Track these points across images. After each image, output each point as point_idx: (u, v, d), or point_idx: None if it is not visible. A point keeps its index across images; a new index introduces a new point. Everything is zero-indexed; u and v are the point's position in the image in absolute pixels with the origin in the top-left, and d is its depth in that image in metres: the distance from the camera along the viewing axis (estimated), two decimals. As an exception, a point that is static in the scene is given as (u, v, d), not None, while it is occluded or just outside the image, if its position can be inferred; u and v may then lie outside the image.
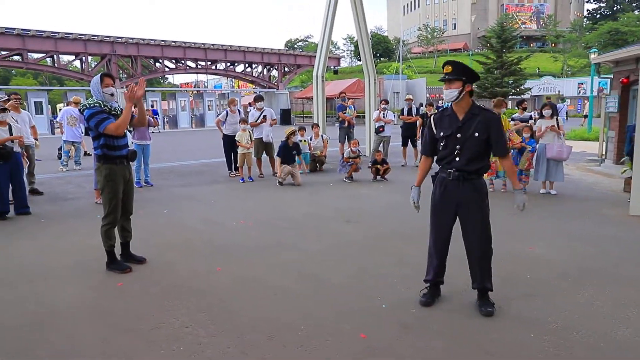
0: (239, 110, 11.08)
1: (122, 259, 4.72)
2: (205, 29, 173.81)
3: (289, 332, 3.32)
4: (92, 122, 4.32)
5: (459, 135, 3.50)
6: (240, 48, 40.03)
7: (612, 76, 12.24)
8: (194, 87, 61.98)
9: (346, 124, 12.44)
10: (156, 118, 30.32)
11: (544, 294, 3.96)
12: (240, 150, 9.88)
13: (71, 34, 32.34)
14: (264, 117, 10.46)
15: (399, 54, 49.06)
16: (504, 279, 4.31)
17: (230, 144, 10.43)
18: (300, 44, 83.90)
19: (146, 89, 31.16)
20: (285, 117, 35.47)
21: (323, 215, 6.95)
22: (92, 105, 4.31)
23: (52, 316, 3.64)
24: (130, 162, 4.62)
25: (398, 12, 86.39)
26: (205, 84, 66.27)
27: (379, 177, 9.82)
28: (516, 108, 9.72)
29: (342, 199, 8.16)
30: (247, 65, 41.52)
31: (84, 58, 33.71)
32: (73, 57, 34.12)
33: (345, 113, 12.49)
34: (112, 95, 4.42)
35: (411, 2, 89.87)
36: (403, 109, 12.10)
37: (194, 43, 37.77)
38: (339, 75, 47.14)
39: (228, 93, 42.71)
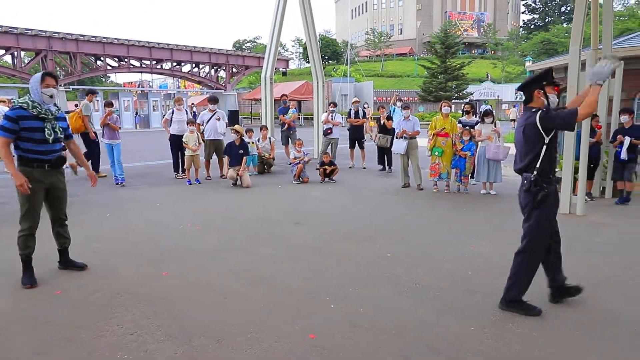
0: (186, 111, 10.85)
1: (60, 265, 4.50)
2: (150, 27, 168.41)
3: (238, 336, 3.30)
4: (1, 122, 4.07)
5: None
6: (186, 47, 39.10)
7: (545, 83, 13.00)
8: (138, 86, 59.88)
9: (286, 126, 12.51)
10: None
11: (484, 290, 4.15)
12: (187, 152, 9.68)
13: (1, 26, 30.35)
14: (217, 118, 10.34)
15: (347, 57, 49.72)
16: (448, 274, 4.49)
17: (177, 144, 10.19)
18: (248, 44, 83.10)
19: (87, 87, 29.65)
20: (233, 118, 34.91)
21: (272, 217, 6.94)
22: (17, 106, 4.04)
23: (-18, 328, 3.41)
24: (56, 169, 4.26)
25: (346, 15, 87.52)
26: (150, 84, 64.19)
27: (327, 179, 9.92)
28: (460, 112, 10.11)
29: (291, 201, 8.18)
30: (193, 65, 40.59)
31: (15, 53, 31.71)
32: (3, 51, 32.02)
33: (286, 116, 12.54)
34: (51, 96, 4.15)
35: (359, 7, 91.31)
36: (350, 111, 12.29)
37: (138, 41, 36.48)
38: (288, 77, 47.11)
39: (174, 93, 41.60)
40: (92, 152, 10.25)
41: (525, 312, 3.65)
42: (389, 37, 74.54)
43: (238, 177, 9.42)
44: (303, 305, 3.83)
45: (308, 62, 52.80)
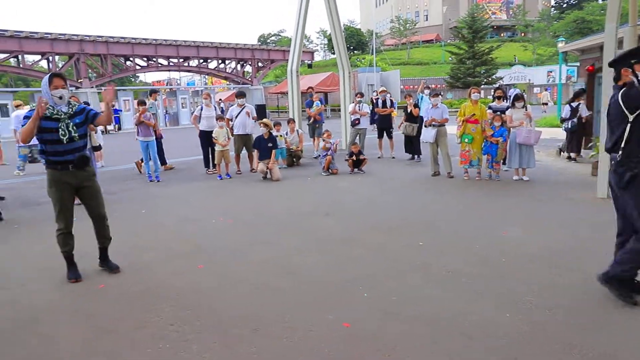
0: (214, 106, 11.02)
1: (100, 263, 4.65)
2: (176, 26, 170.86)
3: (273, 325, 3.37)
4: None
5: None
6: (212, 44, 39.53)
7: (579, 64, 12.60)
8: (167, 85, 61.01)
9: (311, 119, 12.50)
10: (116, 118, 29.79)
11: (518, 276, 4.10)
12: (217, 148, 9.85)
13: (37, 32, 31.39)
14: (247, 112, 10.43)
15: (372, 46, 49.24)
16: (479, 261, 4.45)
17: (206, 139, 10.39)
18: (273, 38, 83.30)
19: (117, 87, 30.31)
20: (261, 112, 35.10)
21: (302, 209, 7.00)
22: (32, 107, 4.19)
23: (31, 321, 3.60)
24: (80, 169, 4.28)
25: (370, 4, 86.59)
26: (178, 82, 65.30)
27: (356, 170, 9.91)
28: (489, 97, 9.87)
29: (320, 192, 8.23)
30: (220, 61, 41.05)
31: (50, 58, 32.79)
32: (39, 56, 33.17)
33: (311, 109, 12.52)
34: (60, 97, 4.12)
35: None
36: (377, 100, 12.19)
37: (165, 40, 37.12)
38: (313, 69, 47.07)
39: (202, 90, 42.20)
40: (158, 147, 10.58)
41: (619, 293, 3.54)
42: (415, 24, 73.53)
43: (268, 171, 9.53)
44: (336, 295, 3.87)
45: (333, 53, 52.58)
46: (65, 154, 4.19)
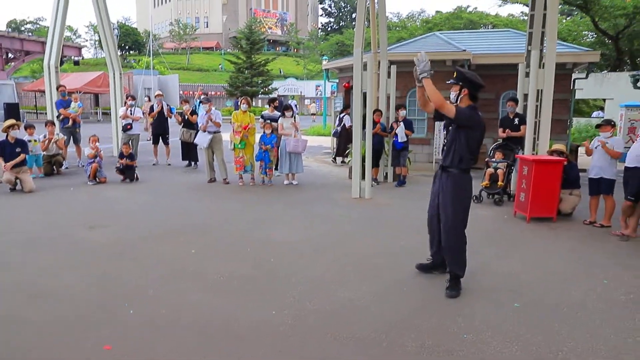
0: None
1: None
2: None
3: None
4: None
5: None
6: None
7: (337, 81, 14.35)
8: None
9: (70, 122, 11.01)
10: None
11: (284, 273, 4.40)
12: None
13: None
14: None
15: (150, 47, 46.86)
16: (250, 264, 4.63)
17: None
18: (29, 26, 71.67)
19: None
20: (12, 112, 29.74)
21: (61, 223, 6.16)
22: None
23: None
24: None
25: (147, 4, 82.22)
26: None
27: (127, 180, 9.17)
28: (267, 106, 10.35)
29: (85, 203, 7.39)
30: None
31: None
32: None
33: (69, 110, 11.02)
34: None
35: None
36: (153, 106, 11.61)
37: None
38: (82, 67, 42.25)
39: None
40: None
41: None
42: (195, 30, 72.72)
43: (17, 181, 8.09)
44: (97, 317, 3.50)
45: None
46: None
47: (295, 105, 30.27)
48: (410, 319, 3.53)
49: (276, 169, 9.41)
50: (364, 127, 8.07)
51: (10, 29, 61.85)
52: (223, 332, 3.30)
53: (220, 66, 64.71)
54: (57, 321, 3.43)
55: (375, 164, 9.31)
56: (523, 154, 7.66)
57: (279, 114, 9.33)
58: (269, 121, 9.03)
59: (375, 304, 3.80)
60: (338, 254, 5.01)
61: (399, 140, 9.16)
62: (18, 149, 8.23)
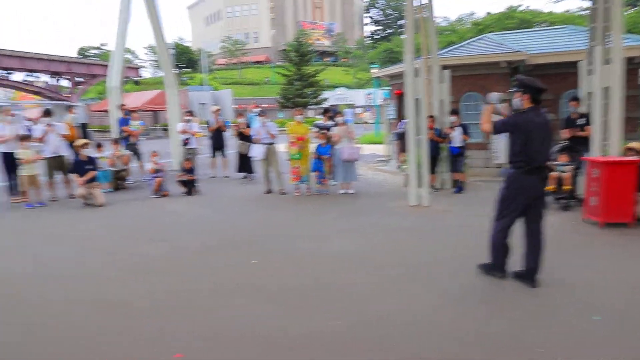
0: (22, 125, 9.49)
1: None
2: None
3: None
4: None
5: None
6: (15, 53, 34.54)
7: (390, 88, 14.25)
8: (-45, 99, 51.11)
9: (131, 139, 11.50)
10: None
11: (338, 284, 4.37)
12: (25, 172, 8.47)
13: None
14: (49, 127, 9.15)
15: (203, 65, 48.64)
16: (310, 275, 4.63)
17: (8, 163, 8.88)
18: (95, 51, 76.38)
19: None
20: (82, 132, 31.84)
21: (126, 235, 6.46)
22: None
23: None
24: None
25: (200, 23, 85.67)
26: (-29, 96, 55.25)
27: (188, 194, 9.50)
28: (321, 116, 10.48)
29: (148, 216, 7.71)
30: (27, 73, 36.07)
31: None
32: None
33: (132, 128, 11.56)
34: None
35: (213, 15, 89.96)
36: (208, 121, 11.98)
37: (-50, 47, 31.26)
38: (142, 87, 44.48)
39: (3, 106, 36.40)
40: None
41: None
42: (245, 45, 74.79)
43: (90, 195, 8.58)
44: (157, 326, 3.62)
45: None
46: None
47: (352, 114, 30.18)
48: (475, 332, 3.39)
49: (331, 178, 9.43)
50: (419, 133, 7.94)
51: (79, 55, 66.32)
52: (280, 343, 3.31)
53: (266, 79, 66.21)
54: (128, 331, 3.57)
55: (432, 170, 9.11)
56: (589, 155, 7.24)
57: (332, 123, 9.38)
58: (323, 131, 9.08)
59: (435, 315, 3.69)
60: (394, 263, 4.92)
61: (456, 145, 8.94)
62: (90, 166, 8.76)
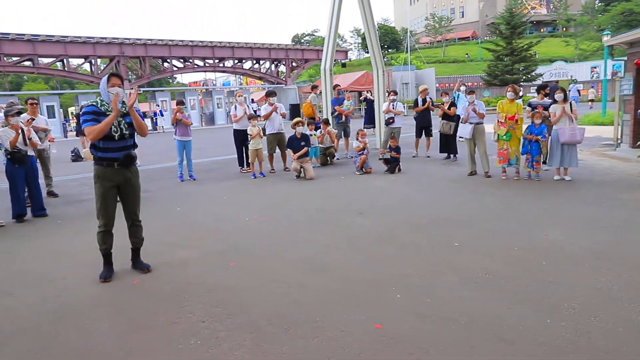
0: (248, 105, 11.07)
1: (132, 264, 4.69)
2: (212, 27, 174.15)
3: (304, 325, 3.34)
4: (80, 120, 4.38)
5: None
6: (247, 45, 40.04)
7: (626, 58, 12.00)
8: (203, 85, 62.19)
9: (343, 118, 12.28)
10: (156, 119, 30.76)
11: (560, 281, 3.91)
12: (251, 147, 9.90)
13: (80, 37, 32.69)
14: (274, 107, 10.37)
15: (407, 44, 48.63)
16: (519, 265, 4.28)
17: (241, 139, 10.47)
18: (307, 38, 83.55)
19: (155, 89, 31.14)
20: (295, 112, 35.41)
21: (335, 208, 6.95)
22: (88, 104, 4.28)
23: (70, 314, 3.70)
24: (126, 167, 4.37)
25: (404, 2, 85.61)
26: (214, 82, 66.45)
27: (390, 172, 9.72)
28: (535, 94, 9.45)
29: (354, 191, 8.16)
30: (254, 61, 41.56)
31: (93, 61, 34.03)
32: (82, 60, 34.48)
33: (343, 107, 12.30)
34: (116, 94, 4.24)
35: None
36: (416, 99, 11.97)
37: (201, 41, 37.88)
38: (347, 68, 46.93)
39: (236, 90, 42.83)
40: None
41: None
42: (450, 22, 72.06)
43: (302, 169, 9.53)
44: (367, 295, 3.80)
45: (367, 52, 52.22)
46: (114, 150, 4.30)
47: (578, 90, 26.68)
48: None
49: (544, 162, 8.50)
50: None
51: (294, 43, 73.48)
52: (489, 332, 3.12)
53: (466, 55, 62.74)
54: (337, 293, 3.85)
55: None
56: None
57: (550, 101, 8.38)
58: (537, 110, 8.20)
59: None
60: (626, 266, 4.17)
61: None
62: (303, 143, 9.68)
